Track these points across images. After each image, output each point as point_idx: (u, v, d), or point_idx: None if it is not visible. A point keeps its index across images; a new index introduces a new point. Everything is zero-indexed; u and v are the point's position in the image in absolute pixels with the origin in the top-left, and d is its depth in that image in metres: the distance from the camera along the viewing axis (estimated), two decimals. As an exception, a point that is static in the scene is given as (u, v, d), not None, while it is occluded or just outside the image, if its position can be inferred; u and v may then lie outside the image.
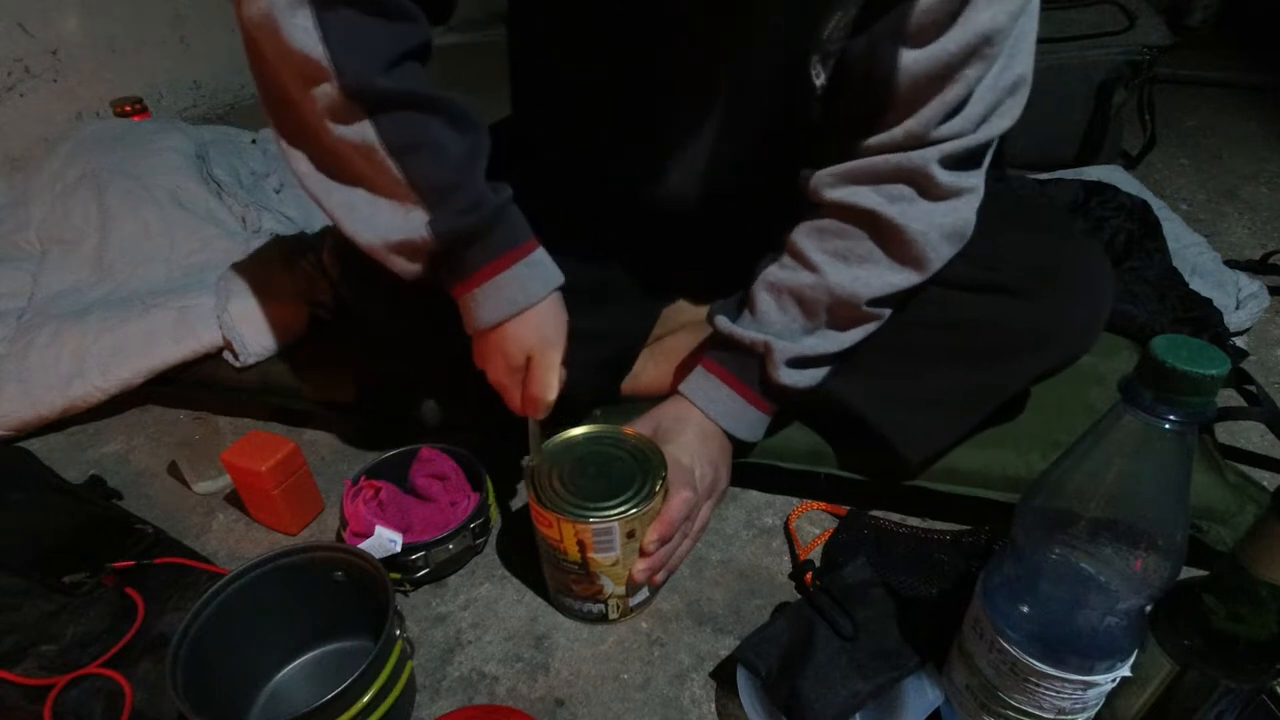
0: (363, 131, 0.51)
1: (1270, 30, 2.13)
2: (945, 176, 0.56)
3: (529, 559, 0.66)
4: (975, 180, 0.58)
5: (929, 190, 0.57)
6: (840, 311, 0.61)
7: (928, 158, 0.55)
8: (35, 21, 1.54)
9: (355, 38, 0.50)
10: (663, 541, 0.59)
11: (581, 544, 0.57)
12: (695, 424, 0.65)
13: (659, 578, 0.63)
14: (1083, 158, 1.34)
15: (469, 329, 0.58)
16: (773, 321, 0.63)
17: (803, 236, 0.62)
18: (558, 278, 0.58)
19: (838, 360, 0.65)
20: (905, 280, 0.59)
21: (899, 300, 0.62)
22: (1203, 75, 1.89)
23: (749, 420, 0.66)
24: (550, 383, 0.57)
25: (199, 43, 1.90)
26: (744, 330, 0.63)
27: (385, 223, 0.54)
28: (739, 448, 0.69)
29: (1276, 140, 1.60)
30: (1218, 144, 1.59)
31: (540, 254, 0.58)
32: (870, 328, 0.63)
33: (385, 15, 0.51)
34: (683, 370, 0.71)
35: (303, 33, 0.48)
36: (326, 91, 0.50)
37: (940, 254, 0.59)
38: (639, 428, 0.65)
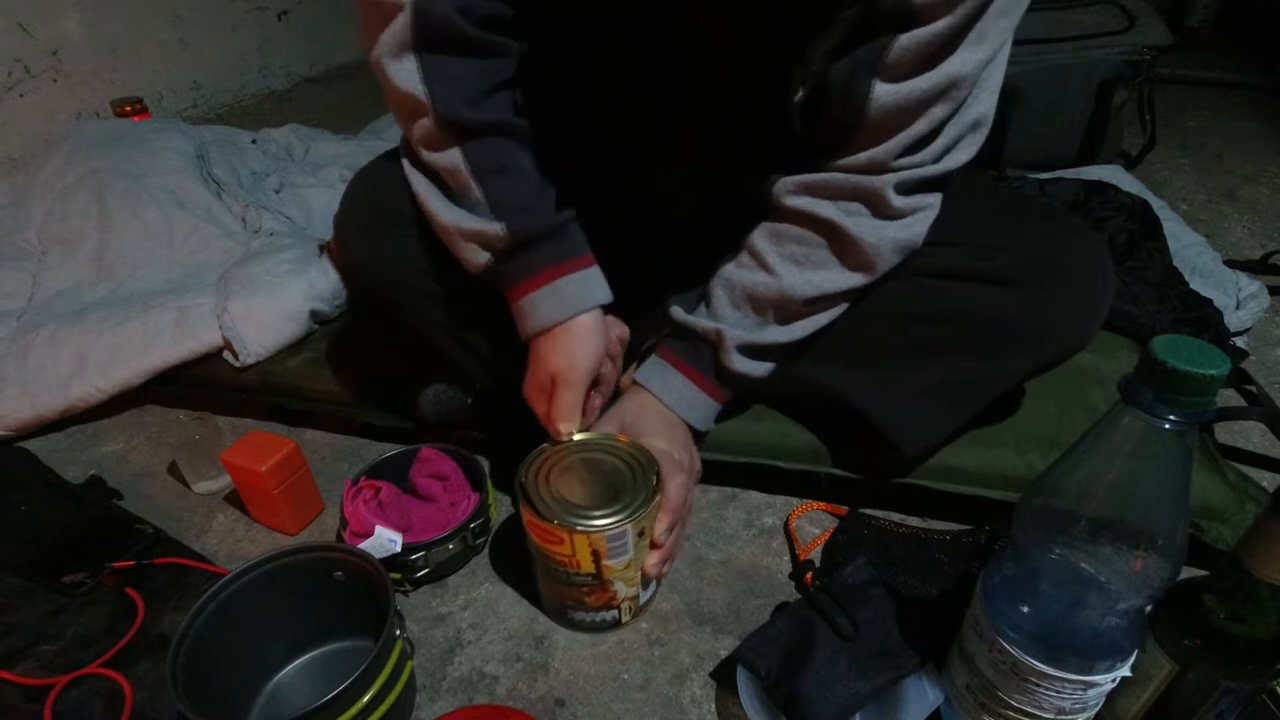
0: (452, 156, 0.58)
1: (1270, 30, 2.13)
2: (899, 200, 0.58)
3: (529, 559, 0.66)
4: (931, 200, 0.60)
5: (882, 210, 0.59)
6: (789, 309, 0.63)
7: (885, 182, 0.57)
8: (35, 21, 1.54)
9: (451, 77, 0.56)
10: (671, 529, 0.59)
11: (596, 553, 0.56)
12: (656, 412, 0.66)
13: (666, 569, 0.63)
14: (1083, 158, 1.34)
15: (523, 336, 0.62)
16: (725, 315, 0.65)
17: (762, 239, 0.64)
18: (600, 295, 0.61)
19: (790, 351, 0.66)
20: (852, 284, 0.61)
21: (846, 299, 0.63)
22: (1203, 75, 1.89)
23: (701, 408, 0.67)
24: (571, 410, 0.60)
25: (199, 43, 1.90)
26: (697, 319, 0.65)
27: (464, 216, 0.59)
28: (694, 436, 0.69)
29: (1276, 140, 1.60)
30: (1218, 144, 1.59)
31: (591, 271, 0.61)
32: (820, 320, 0.64)
33: (479, 55, 0.57)
34: (640, 361, 0.72)
35: (407, 75, 0.56)
36: (424, 124, 0.57)
37: (888, 263, 0.61)
38: (606, 425, 0.65)
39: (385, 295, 0.69)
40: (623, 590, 0.60)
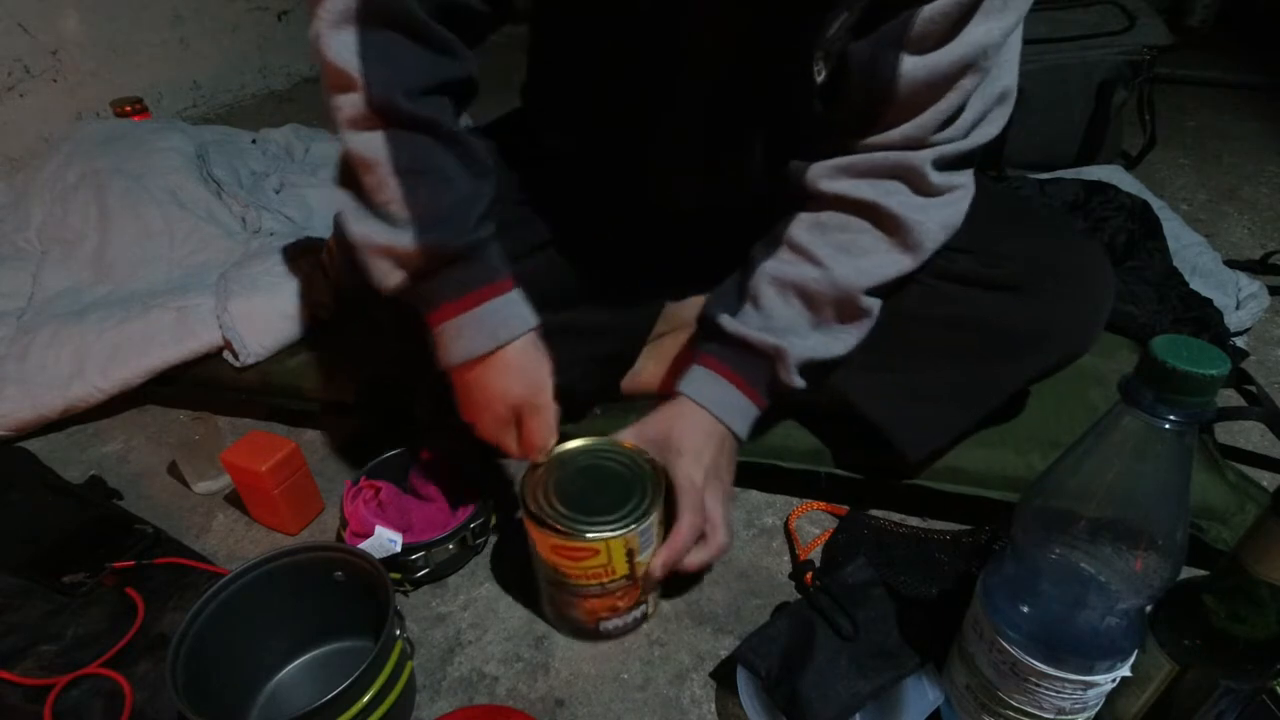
0: (375, 144, 0.53)
1: (1270, 30, 2.13)
2: (937, 176, 0.58)
3: (530, 560, 0.66)
4: (965, 179, 0.60)
5: (921, 188, 0.58)
6: (841, 304, 0.61)
7: (923, 158, 0.57)
8: (35, 21, 1.54)
9: (391, 58, 0.52)
10: (669, 569, 0.58)
11: (630, 553, 0.56)
12: (705, 429, 0.62)
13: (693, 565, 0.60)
14: (1083, 158, 1.34)
15: (442, 363, 0.58)
16: (778, 317, 0.62)
17: (803, 231, 0.62)
18: (531, 318, 0.58)
19: (838, 365, 0.64)
20: (902, 267, 0.60)
21: (892, 289, 0.62)
22: (1203, 75, 1.89)
23: (750, 418, 0.65)
24: (549, 427, 0.58)
25: (199, 43, 1.90)
26: (755, 332, 0.61)
27: (374, 227, 0.55)
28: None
29: (1276, 140, 1.60)
30: (1218, 144, 1.59)
31: (516, 293, 0.57)
32: (866, 325, 0.63)
33: (426, 44, 0.54)
34: (677, 368, 0.70)
35: (343, 47, 0.52)
36: (353, 100, 0.53)
37: (935, 243, 0.60)
38: (644, 433, 0.62)
39: (382, 297, 0.69)
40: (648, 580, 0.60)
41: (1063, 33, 1.30)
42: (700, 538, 0.59)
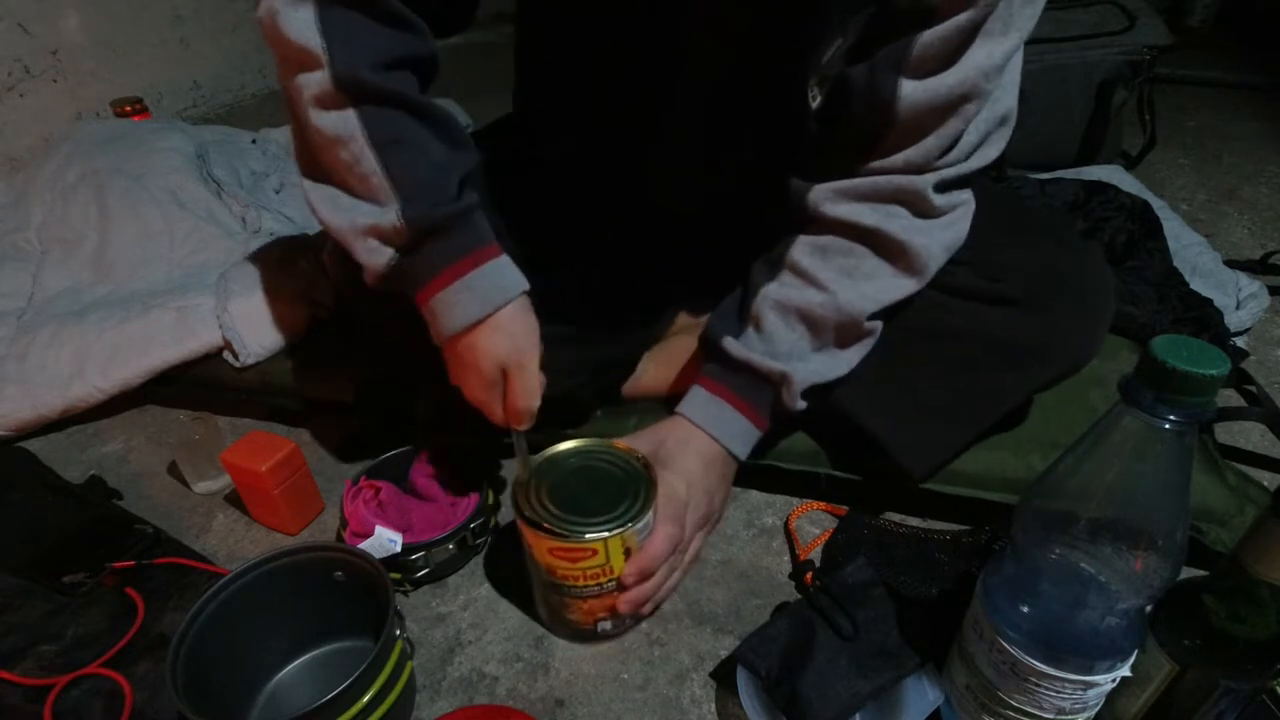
0: (346, 120, 0.52)
1: (1270, 30, 2.13)
2: (938, 199, 0.58)
3: (525, 564, 0.66)
4: (965, 196, 0.60)
5: (924, 210, 0.58)
6: (844, 328, 0.61)
7: (925, 182, 0.57)
8: (35, 21, 1.54)
9: (353, 34, 0.52)
10: (642, 576, 0.57)
11: (628, 550, 0.56)
12: (699, 449, 0.62)
13: (646, 609, 0.60)
14: (1083, 158, 1.34)
15: (437, 338, 0.58)
16: (781, 341, 0.62)
17: (806, 255, 0.61)
18: (524, 282, 0.58)
19: (840, 382, 0.64)
20: (905, 290, 0.60)
21: (895, 310, 0.62)
22: (1203, 75, 1.89)
23: (752, 440, 0.65)
24: (533, 390, 0.57)
25: (199, 43, 1.90)
26: (758, 356, 0.61)
27: (356, 208, 0.55)
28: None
29: (1276, 140, 1.60)
30: (1218, 144, 1.59)
31: (506, 258, 0.57)
32: (868, 344, 0.63)
33: (385, 21, 0.53)
34: (682, 382, 0.70)
35: (302, 24, 0.51)
36: (318, 79, 0.52)
37: (938, 263, 0.60)
38: (636, 445, 0.62)
39: (381, 301, 0.69)
40: None
41: (1063, 33, 1.30)
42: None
